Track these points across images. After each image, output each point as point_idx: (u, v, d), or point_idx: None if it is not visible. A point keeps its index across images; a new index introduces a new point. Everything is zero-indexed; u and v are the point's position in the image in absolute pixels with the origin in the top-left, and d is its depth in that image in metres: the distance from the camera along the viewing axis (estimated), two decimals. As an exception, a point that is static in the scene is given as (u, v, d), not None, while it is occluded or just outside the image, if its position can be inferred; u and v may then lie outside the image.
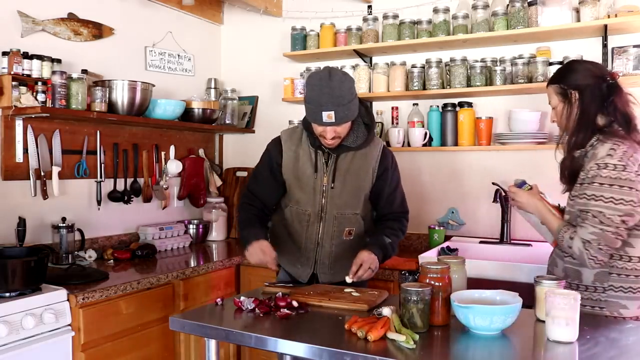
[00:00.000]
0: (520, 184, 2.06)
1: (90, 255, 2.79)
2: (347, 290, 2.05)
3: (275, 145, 2.29)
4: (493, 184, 2.95)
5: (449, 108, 3.14)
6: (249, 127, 3.82)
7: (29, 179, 2.63)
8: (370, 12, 3.39)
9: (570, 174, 1.89)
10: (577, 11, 2.81)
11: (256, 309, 1.84)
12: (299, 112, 3.56)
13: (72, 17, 2.89)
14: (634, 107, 1.85)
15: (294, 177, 2.23)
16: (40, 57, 2.61)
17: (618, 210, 1.71)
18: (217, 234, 3.59)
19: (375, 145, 2.25)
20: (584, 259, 1.76)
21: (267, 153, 2.31)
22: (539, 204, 1.96)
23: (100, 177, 2.97)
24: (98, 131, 2.96)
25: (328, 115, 2.01)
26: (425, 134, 3.13)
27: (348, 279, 2.06)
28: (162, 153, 3.36)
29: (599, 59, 2.80)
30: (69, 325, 2.18)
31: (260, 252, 2.14)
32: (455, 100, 3.15)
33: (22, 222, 2.54)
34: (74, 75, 2.60)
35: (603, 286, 1.81)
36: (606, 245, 1.72)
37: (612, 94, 1.83)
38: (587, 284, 1.83)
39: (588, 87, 1.85)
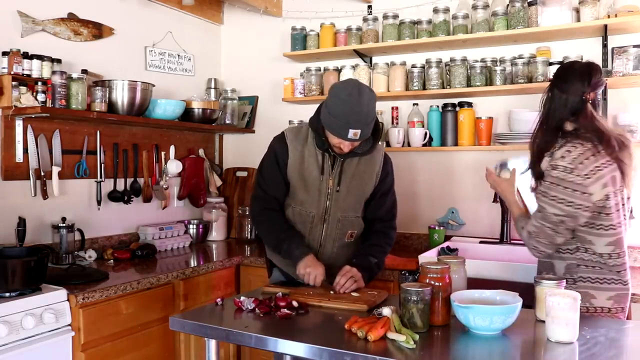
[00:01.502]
0: (504, 164, 2.14)
1: (90, 255, 2.79)
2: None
3: (281, 144, 2.24)
4: (493, 184, 2.95)
5: (449, 108, 3.14)
6: (249, 127, 3.82)
7: (29, 179, 2.63)
8: (370, 12, 3.39)
9: (538, 178, 1.95)
10: (577, 11, 2.81)
11: (256, 309, 1.84)
12: (299, 112, 3.57)
13: (72, 17, 2.89)
14: (603, 125, 1.88)
15: (300, 177, 2.21)
16: (40, 57, 2.61)
17: (559, 209, 1.81)
18: (217, 234, 3.59)
19: (379, 151, 2.27)
20: (529, 249, 1.93)
21: (272, 151, 2.26)
22: (509, 196, 2.07)
23: (100, 177, 2.97)
24: (98, 131, 2.96)
25: (354, 133, 2.00)
26: (425, 134, 3.13)
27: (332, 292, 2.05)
28: (162, 153, 3.36)
29: (599, 59, 2.80)
30: (69, 325, 2.18)
31: (319, 269, 2.11)
32: (455, 100, 3.15)
33: (22, 222, 2.54)
34: (74, 75, 2.60)
35: (573, 277, 1.88)
36: (545, 239, 1.86)
37: (581, 112, 1.87)
38: (560, 276, 1.89)
39: (564, 94, 1.89)
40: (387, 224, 2.31)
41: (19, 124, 2.59)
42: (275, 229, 2.22)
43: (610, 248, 1.85)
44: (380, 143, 2.33)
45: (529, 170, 1.99)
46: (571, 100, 1.88)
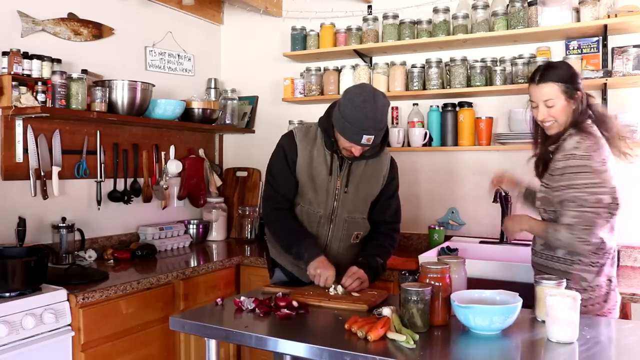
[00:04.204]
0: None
1: (90, 255, 2.79)
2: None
3: (290, 143, 2.23)
4: (493, 184, 2.95)
5: (449, 108, 3.14)
6: (249, 127, 3.82)
7: (29, 179, 2.63)
8: (370, 12, 3.39)
9: (544, 164, 2.05)
10: (577, 11, 2.81)
11: (256, 309, 1.84)
12: (299, 112, 3.57)
13: (72, 17, 2.89)
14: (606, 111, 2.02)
15: (308, 177, 2.21)
16: (40, 57, 2.61)
17: (591, 193, 1.85)
18: (217, 234, 3.59)
19: (385, 154, 2.28)
20: (573, 245, 1.86)
21: (281, 150, 2.25)
22: (523, 221, 2.08)
23: (100, 177, 2.97)
24: (98, 131, 2.96)
25: (368, 139, 2.00)
26: (425, 134, 3.13)
27: (338, 288, 2.04)
28: (162, 153, 3.36)
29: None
30: (69, 325, 2.18)
31: (329, 271, 2.09)
32: (455, 100, 3.15)
33: (22, 222, 2.54)
34: (74, 75, 2.60)
35: (572, 259, 1.94)
36: (587, 225, 1.84)
37: (588, 99, 2.01)
38: (559, 256, 1.97)
39: (582, 89, 2.00)
40: (392, 226, 2.32)
41: (19, 124, 2.59)
42: (285, 231, 2.22)
43: (608, 236, 1.93)
44: (385, 147, 2.33)
45: (536, 165, 2.10)
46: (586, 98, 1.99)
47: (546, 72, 2.01)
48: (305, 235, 2.20)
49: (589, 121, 1.98)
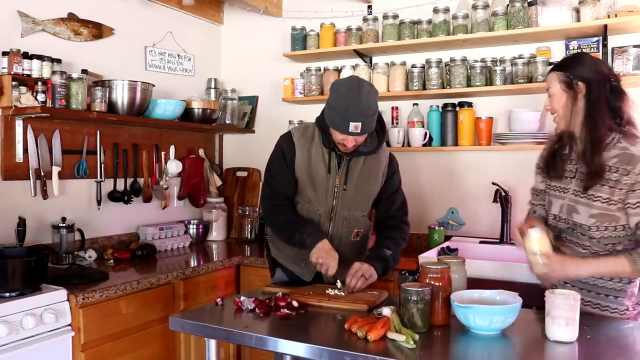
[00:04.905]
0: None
1: (90, 255, 2.79)
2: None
3: (288, 142, 2.24)
4: (493, 184, 2.96)
5: (449, 108, 3.14)
6: (249, 127, 3.82)
7: (29, 179, 2.63)
8: (370, 12, 3.39)
9: (597, 173, 1.78)
10: (577, 11, 2.81)
11: (256, 309, 1.84)
12: (299, 112, 3.57)
13: (72, 17, 2.89)
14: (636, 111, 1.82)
15: (307, 176, 2.22)
16: (40, 57, 2.61)
17: None
18: (217, 234, 3.59)
19: (384, 151, 2.28)
20: None
21: (279, 150, 2.26)
22: (579, 266, 1.78)
23: (100, 177, 2.97)
24: (98, 131, 2.96)
25: (355, 126, 2.00)
26: (425, 134, 3.13)
27: (337, 284, 2.05)
28: (162, 153, 3.36)
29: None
30: (69, 325, 2.18)
31: (332, 260, 2.07)
32: (455, 100, 3.15)
33: (22, 222, 2.54)
34: (74, 75, 2.60)
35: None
36: None
37: (617, 96, 1.80)
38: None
39: (595, 82, 1.80)
40: (400, 219, 2.31)
41: (19, 124, 2.59)
42: (285, 222, 2.22)
43: None
44: (384, 143, 2.33)
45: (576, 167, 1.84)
46: (604, 86, 1.81)
47: (559, 62, 1.92)
48: (305, 222, 2.20)
49: (628, 126, 1.79)
